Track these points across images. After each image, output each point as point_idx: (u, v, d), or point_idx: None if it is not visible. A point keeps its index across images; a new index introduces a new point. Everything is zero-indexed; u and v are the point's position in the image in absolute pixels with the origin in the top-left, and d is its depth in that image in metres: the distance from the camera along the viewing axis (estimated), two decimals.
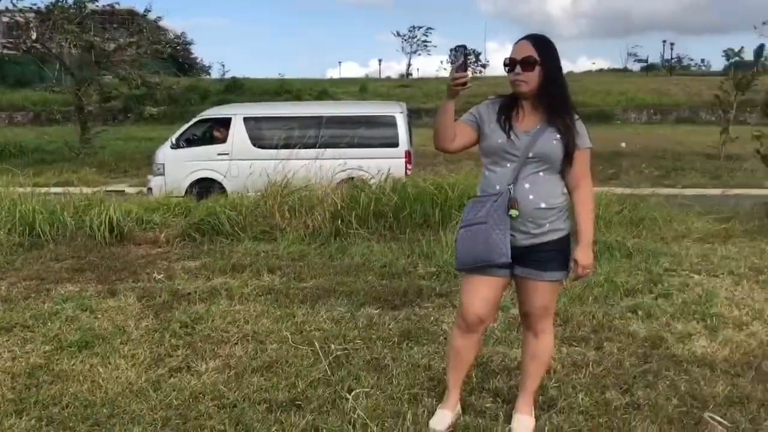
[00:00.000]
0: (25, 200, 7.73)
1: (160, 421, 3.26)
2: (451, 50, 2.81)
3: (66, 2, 20.47)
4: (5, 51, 23.75)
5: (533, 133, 2.90)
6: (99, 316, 4.80)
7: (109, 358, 4.00)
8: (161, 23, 26.69)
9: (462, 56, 2.74)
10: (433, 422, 3.21)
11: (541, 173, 2.93)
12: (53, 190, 9.47)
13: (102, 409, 3.38)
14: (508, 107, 2.97)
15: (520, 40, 2.95)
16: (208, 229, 7.27)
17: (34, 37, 21.14)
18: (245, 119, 11.56)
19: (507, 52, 2.98)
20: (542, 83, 2.90)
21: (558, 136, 2.90)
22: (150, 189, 11.42)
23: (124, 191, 13.37)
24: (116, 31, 23.27)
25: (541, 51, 2.89)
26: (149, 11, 22.48)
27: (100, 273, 5.92)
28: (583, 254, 2.99)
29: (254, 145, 11.31)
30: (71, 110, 23.06)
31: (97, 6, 21.15)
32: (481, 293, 3.01)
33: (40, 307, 4.95)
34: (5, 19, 30.20)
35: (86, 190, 9.25)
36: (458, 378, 3.26)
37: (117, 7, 22.07)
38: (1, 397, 3.50)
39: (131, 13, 24.80)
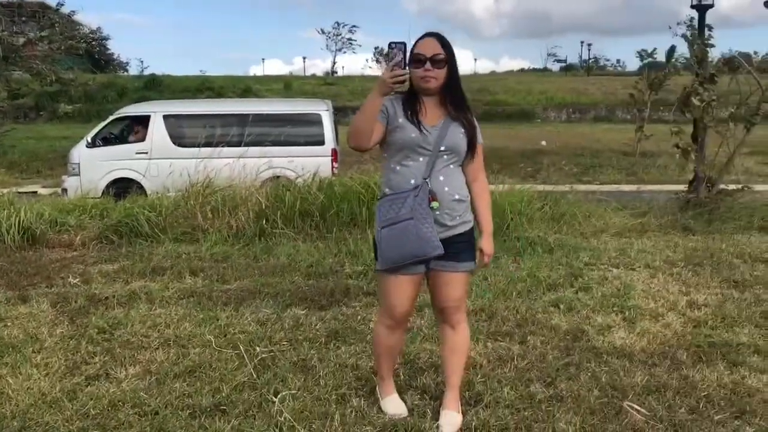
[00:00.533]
0: None
1: (77, 431, 3.11)
2: (389, 45, 2.79)
3: None
4: None
5: (440, 127, 2.98)
6: (9, 323, 4.55)
7: (20, 368, 3.80)
8: (75, 17, 25.58)
9: (401, 53, 2.75)
10: (393, 408, 3.29)
11: (451, 166, 3.02)
12: None
13: (12, 422, 3.20)
14: (411, 103, 3.00)
15: (424, 37, 3.00)
16: (126, 230, 7.01)
17: None
18: (165, 117, 11.22)
19: None
20: (446, 80, 2.98)
21: (463, 130, 3.02)
22: (65, 190, 10.94)
23: (36, 192, 12.80)
24: (25, 24, 22.13)
25: (447, 49, 2.97)
26: (62, 5, 21.56)
27: (10, 279, 5.63)
28: (487, 243, 3.16)
29: (175, 143, 11.00)
30: None
31: None
32: (407, 292, 3.08)
33: None
34: None
35: None
36: (392, 368, 3.40)
37: None
38: None
39: (42, 6, 23.65)
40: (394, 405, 3.32)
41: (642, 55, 51.59)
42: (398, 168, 3.01)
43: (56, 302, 4.98)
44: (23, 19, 21.39)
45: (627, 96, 21.72)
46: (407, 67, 2.78)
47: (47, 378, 3.69)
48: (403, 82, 2.75)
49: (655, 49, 48.80)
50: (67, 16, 22.81)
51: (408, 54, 2.80)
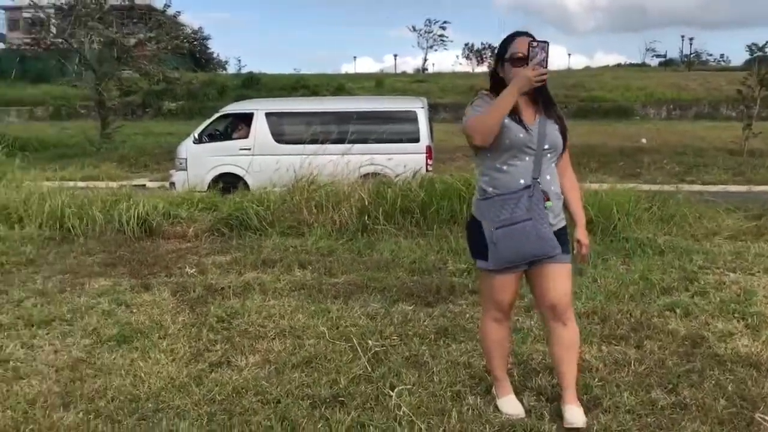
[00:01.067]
0: (54, 195, 7.80)
1: (206, 416, 3.27)
2: (530, 44, 2.86)
3: None
4: (26, 47, 23.86)
5: (537, 125, 3.01)
6: (135, 310, 4.82)
7: (149, 353, 4.02)
8: (178, 18, 26.68)
9: (543, 52, 2.82)
10: (511, 409, 3.28)
11: (552, 164, 3.07)
12: (79, 184, 9.56)
13: (147, 404, 3.40)
14: None
15: (520, 35, 3.02)
16: (236, 223, 7.27)
17: (53, 32, 21.25)
18: (267, 114, 11.54)
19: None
20: None
21: (557, 126, 3.07)
22: (172, 183, 11.43)
23: (145, 185, 13.43)
24: (135, 26, 23.30)
25: None
26: (169, 6, 22.54)
27: (132, 267, 5.95)
28: (583, 234, 3.21)
29: (276, 140, 11.30)
30: (91, 105, 23.19)
31: (117, 1, 21.24)
32: (513, 286, 3.19)
33: (77, 301, 4.99)
34: (26, 15, 30.44)
35: (111, 184, 9.29)
36: (505, 366, 3.42)
37: (136, 1, 22.13)
38: (48, 390, 3.53)
39: (149, 8, 24.87)
40: (511, 405, 3.31)
41: (752, 48, 48.53)
42: (505, 168, 3.02)
43: (176, 291, 5.23)
44: (133, 20, 22.52)
45: (733, 92, 20.66)
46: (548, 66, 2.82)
47: (174, 363, 3.89)
48: (545, 80, 2.78)
49: (766, 42, 45.87)
50: (172, 17, 23.86)
51: (549, 53, 2.81)
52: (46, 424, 3.18)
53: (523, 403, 3.34)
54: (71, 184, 9.09)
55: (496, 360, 3.34)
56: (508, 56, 3.00)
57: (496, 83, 3.08)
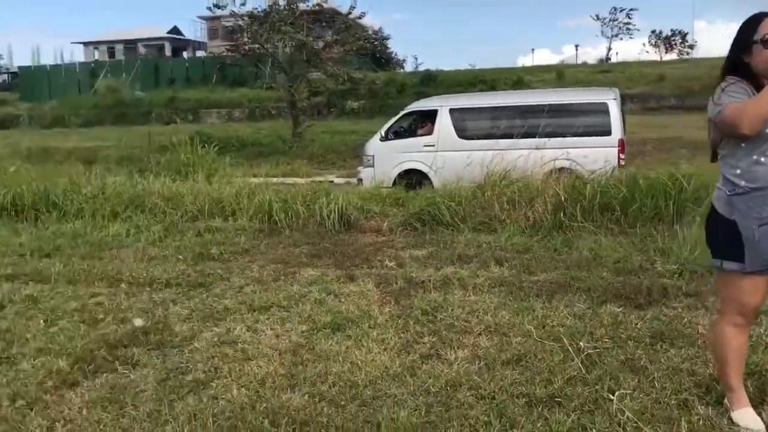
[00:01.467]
0: (261, 190, 8.39)
1: (423, 406, 3.32)
2: None
3: (279, 4, 21.91)
4: (227, 53, 25.96)
5: None
6: (343, 300, 5.03)
7: (362, 341, 4.17)
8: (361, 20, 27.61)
9: None
10: (750, 422, 3.04)
11: None
12: (280, 180, 10.20)
13: (365, 391, 3.52)
14: (758, 89, 2.77)
15: (765, 17, 2.79)
16: (428, 218, 7.37)
17: (249, 39, 22.86)
18: (451, 111, 11.60)
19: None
20: None
21: None
22: (360, 180, 11.86)
23: (332, 182, 14.05)
24: (322, 29, 24.46)
25: None
26: (354, 8, 23.39)
27: (336, 259, 6.23)
28: None
29: (459, 136, 11.32)
30: (282, 106, 24.74)
31: (307, 6, 22.43)
32: (764, 290, 2.98)
33: (290, 289, 5.30)
34: (226, 24, 33.10)
35: (303, 181, 9.80)
36: (741, 374, 3.18)
37: (324, 5, 23.20)
38: (274, 372, 3.77)
39: (334, 12, 25.96)
40: (750, 419, 3.04)
41: None
42: (763, 159, 2.80)
43: (379, 283, 5.40)
44: (323, 24, 23.66)
45: None
46: None
47: (386, 353, 4.00)
48: None
49: None
50: (355, 19, 24.72)
51: None
52: (276, 403, 3.40)
53: (762, 417, 3.06)
54: (274, 180, 9.71)
55: (733, 369, 3.09)
56: (759, 38, 2.76)
57: (738, 68, 2.85)
